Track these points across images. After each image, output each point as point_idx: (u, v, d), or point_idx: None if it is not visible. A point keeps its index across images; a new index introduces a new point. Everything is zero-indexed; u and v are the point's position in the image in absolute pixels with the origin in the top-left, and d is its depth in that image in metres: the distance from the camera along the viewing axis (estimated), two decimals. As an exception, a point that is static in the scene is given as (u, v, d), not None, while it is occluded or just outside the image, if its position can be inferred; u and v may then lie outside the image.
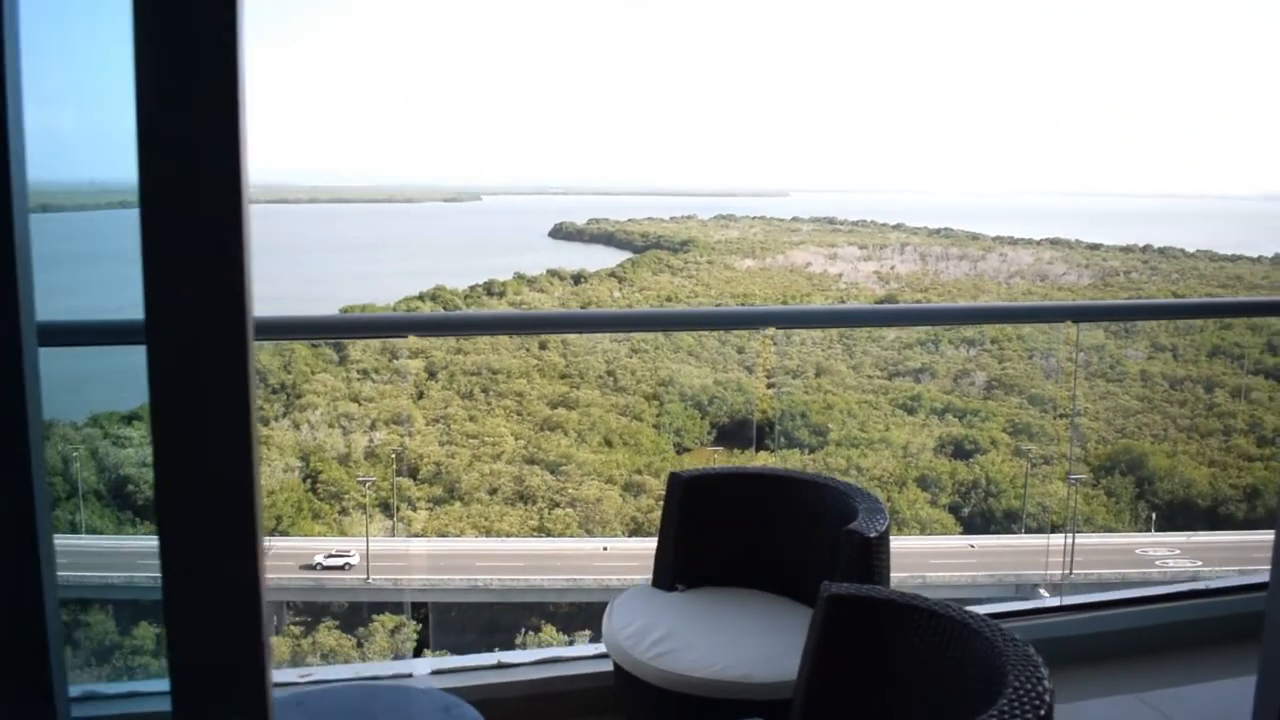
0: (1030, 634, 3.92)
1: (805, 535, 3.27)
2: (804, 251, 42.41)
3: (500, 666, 3.72)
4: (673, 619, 3.08)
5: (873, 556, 2.83)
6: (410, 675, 3.72)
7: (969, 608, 3.95)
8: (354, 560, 22.08)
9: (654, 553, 3.42)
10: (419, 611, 19.38)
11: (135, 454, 24.52)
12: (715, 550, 3.40)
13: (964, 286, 35.90)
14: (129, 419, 25.62)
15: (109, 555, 21.25)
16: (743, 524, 3.41)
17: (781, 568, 3.31)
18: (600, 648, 3.18)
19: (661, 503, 3.49)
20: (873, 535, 2.84)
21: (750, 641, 2.97)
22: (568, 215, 60.91)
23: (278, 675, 3.52)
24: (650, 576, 3.40)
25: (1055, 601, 4.35)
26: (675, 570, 3.34)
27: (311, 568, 20.44)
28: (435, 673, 3.73)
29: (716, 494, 3.44)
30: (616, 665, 2.98)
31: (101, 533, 22.17)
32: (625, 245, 49.97)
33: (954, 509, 18.62)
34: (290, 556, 20.64)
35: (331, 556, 21.86)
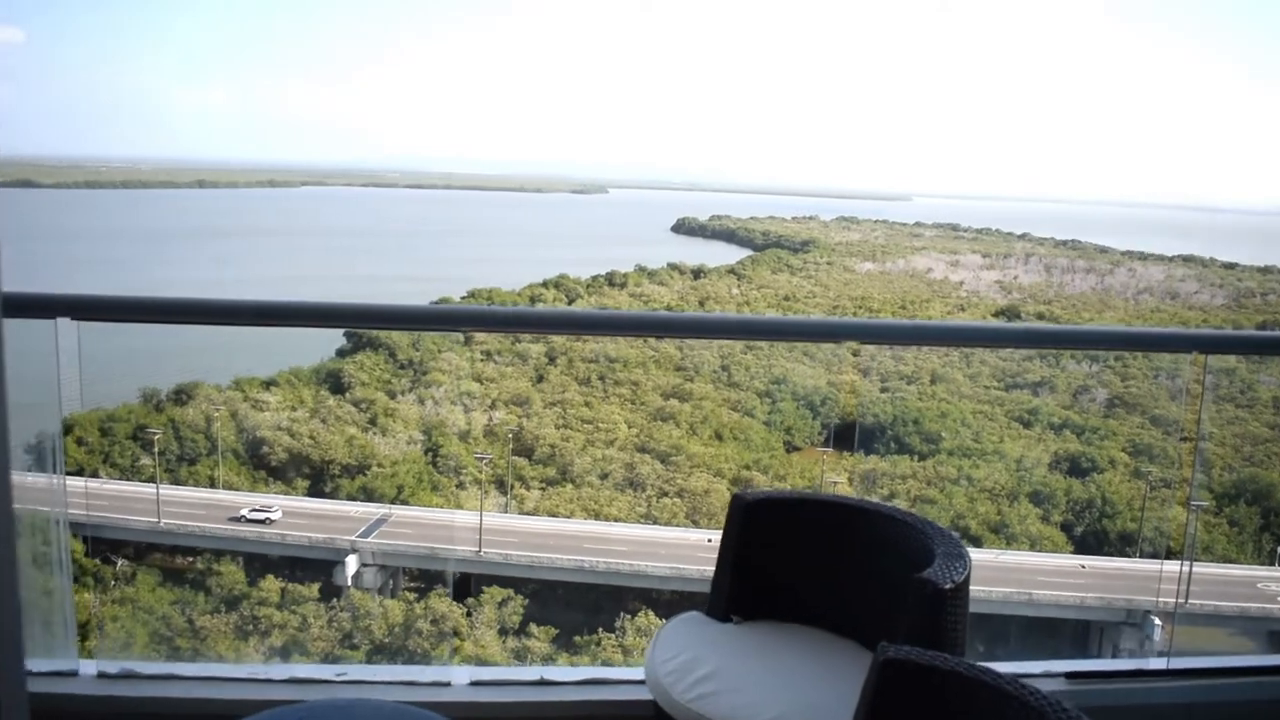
0: (1131, 699, 3.71)
1: (875, 574, 2.98)
2: (925, 257, 41.82)
3: (542, 683, 3.55)
4: (722, 654, 2.83)
5: (945, 611, 2.52)
6: (449, 684, 3.55)
7: (1059, 663, 3.83)
8: (275, 516, 23.02)
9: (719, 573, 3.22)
10: (526, 586, 19.98)
11: (271, 417, 25.75)
12: (777, 581, 3.12)
13: (1089, 301, 35.10)
14: (268, 384, 26.90)
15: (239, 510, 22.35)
16: (809, 555, 3.13)
17: (848, 607, 3.01)
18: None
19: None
20: (947, 586, 2.51)
21: (803, 688, 2.72)
22: (690, 210, 61.13)
23: (312, 671, 3.52)
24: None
25: (1162, 664, 3.86)
26: (731, 599, 3.08)
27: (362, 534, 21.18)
28: (474, 684, 3.57)
29: (782, 520, 3.17)
30: (654, 702, 2.76)
31: (237, 489, 23.37)
32: (746, 243, 50.01)
33: (1066, 527, 18.33)
34: (410, 525, 21.38)
35: (255, 511, 22.97)
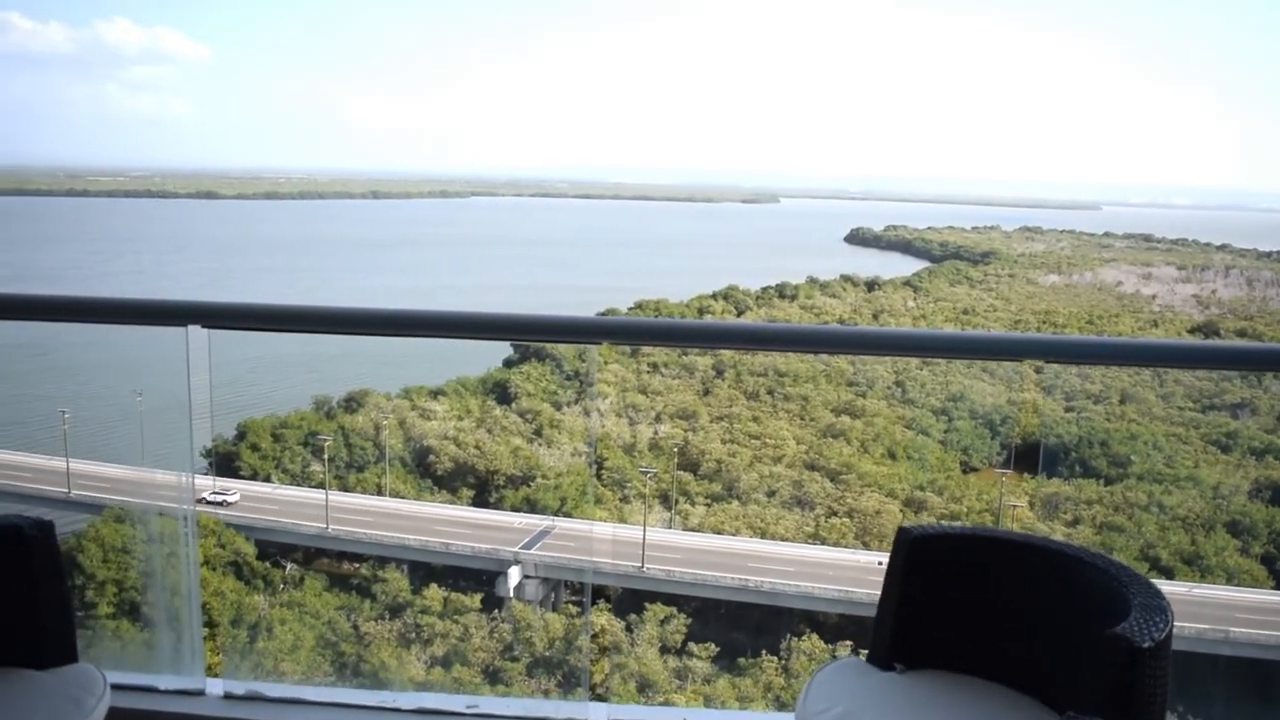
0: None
1: (1061, 624, 2.70)
2: (1115, 269, 40.29)
3: None
4: (883, 709, 2.63)
5: (1143, 673, 2.24)
6: None
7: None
8: (233, 499, 23.42)
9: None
10: (688, 604, 19.69)
11: (438, 426, 26.17)
12: (946, 626, 2.84)
13: (1295, 316, 33.25)
14: (436, 394, 27.40)
15: (408, 519, 22.78)
16: (984, 599, 2.84)
17: (1028, 660, 2.73)
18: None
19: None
20: (1146, 645, 2.22)
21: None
22: (865, 220, 60.15)
23: (442, 702, 3.35)
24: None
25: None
26: (895, 645, 2.82)
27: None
28: None
29: (954, 558, 2.89)
30: None
31: (403, 497, 23.82)
32: (923, 254, 48.85)
33: (1268, 560, 17.18)
34: (573, 538, 21.37)
35: (215, 493, 23.19)
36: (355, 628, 19.79)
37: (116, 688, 2.65)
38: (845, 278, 40.59)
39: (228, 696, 3.33)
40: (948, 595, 2.84)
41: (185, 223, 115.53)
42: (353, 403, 26.43)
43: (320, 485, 23.48)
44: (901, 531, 2.86)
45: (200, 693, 3.31)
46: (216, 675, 3.43)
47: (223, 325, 2.50)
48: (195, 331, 2.47)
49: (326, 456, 24.31)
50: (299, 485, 23.80)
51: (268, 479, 23.97)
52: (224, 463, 25.03)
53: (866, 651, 2.85)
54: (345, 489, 23.77)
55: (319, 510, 22.46)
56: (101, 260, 75.84)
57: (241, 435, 24.92)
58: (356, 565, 21.95)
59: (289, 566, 21.44)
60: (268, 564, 20.88)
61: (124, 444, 18.87)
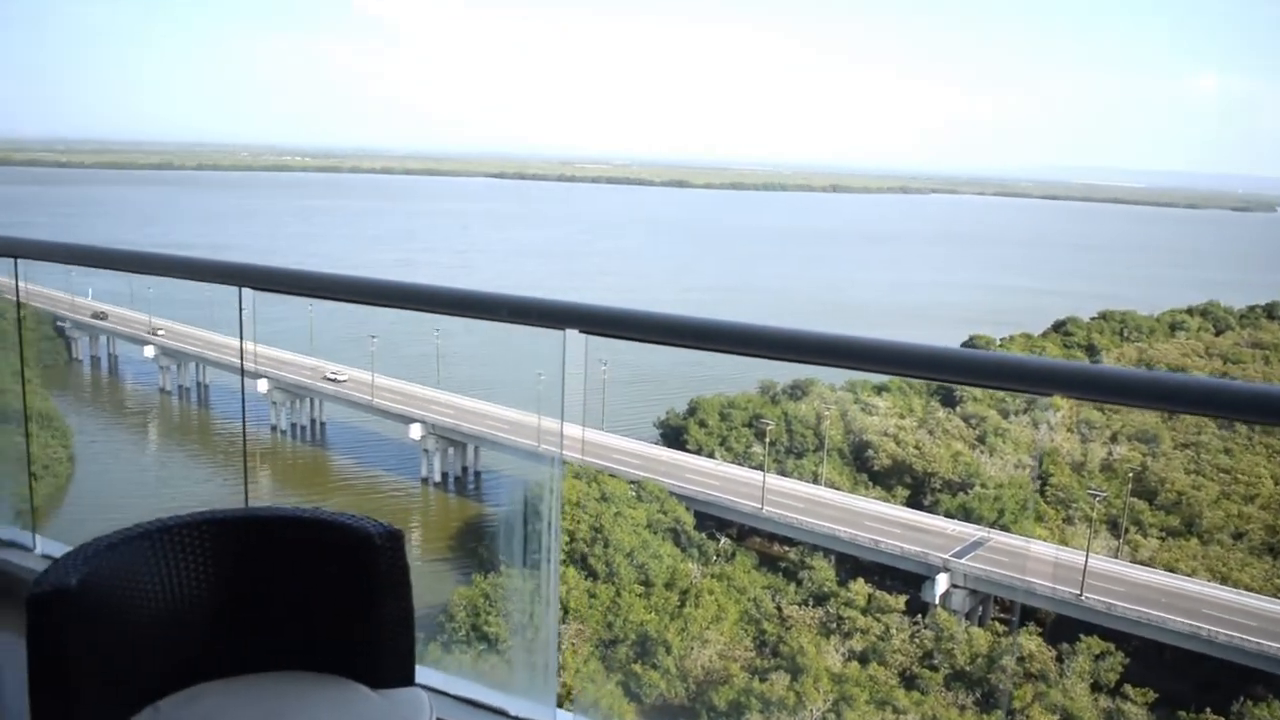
0: None
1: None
2: None
3: None
4: None
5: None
6: None
7: None
8: (343, 379, 27.98)
9: None
10: (1128, 642, 18.36)
11: (879, 422, 26.07)
12: None
13: None
14: (880, 389, 27.34)
15: (840, 510, 22.94)
16: None
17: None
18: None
19: None
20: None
21: None
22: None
23: None
24: None
25: None
26: None
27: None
28: None
29: None
30: None
31: (838, 488, 23.99)
32: None
33: None
34: (1008, 553, 20.63)
35: (332, 374, 28.10)
36: (779, 609, 20.27)
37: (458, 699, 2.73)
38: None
39: None
40: None
41: (658, 207, 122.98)
42: (797, 390, 26.95)
43: (759, 466, 24.22)
44: None
45: None
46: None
47: (595, 331, 2.46)
48: (573, 335, 2.46)
49: (767, 440, 24.99)
50: (739, 464, 24.67)
51: (711, 455, 25.06)
52: (673, 435, 26.48)
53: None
54: (782, 473, 24.36)
55: (755, 490, 23.18)
56: (585, 241, 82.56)
57: (692, 410, 26.22)
58: (786, 549, 22.42)
59: (722, 540, 22.31)
60: (703, 535, 21.86)
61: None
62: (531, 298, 2.58)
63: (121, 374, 33.75)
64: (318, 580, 2.11)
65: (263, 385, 27.20)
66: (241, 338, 3.46)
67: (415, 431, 24.90)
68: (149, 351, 30.76)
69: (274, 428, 27.98)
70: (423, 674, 2.54)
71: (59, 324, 32.56)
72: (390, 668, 2.06)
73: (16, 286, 3.46)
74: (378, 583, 2.04)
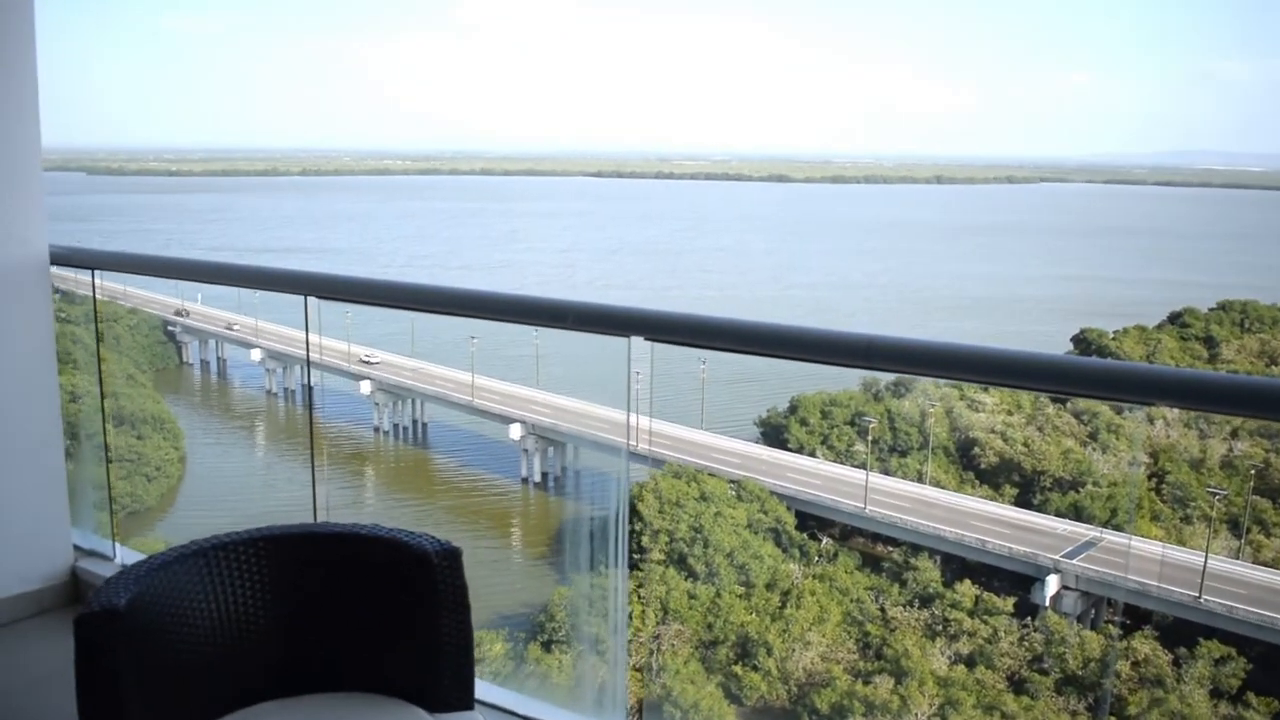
0: None
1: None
2: None
3: None
4: None
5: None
6: None
7: None
8: (375, 361, 28.94)
9: None
10: (1252, 648, 17.66)
11: (986, 419, 25.46)
12: None
13: None
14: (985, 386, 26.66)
15: (945, 509, 22.47)
16: None
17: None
18: None
19: None
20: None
21: None
22: None
23: None
24: None
25: None
26: None
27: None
28: None
29: None
30: None
31: (943, 487, 23.50)
32: None
33: None
34: (1122, 553, 20.03)
35: (367, 357, 28.97)
36: (882, 610, 19.93)
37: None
38: None
39: None
40: None
41: (754, 205, 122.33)
42: (901, 387, 26.46)
43: (861, 465, 23.86)
44: None
45: None
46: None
47: (659, 338, 2.41)
48: (637, 342, 2.42)
49: (870, 438, 24.59)
50: (841, 463, 24.33)
51: (813, 453, 24.77)
52: (774, 433, 26.23)
53: None
54: (886, 472, 23.94)
55: (858, 490, 22.84)
56: (686, 239, 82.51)
57: (793, 409, 25.94)
58: (890, 549, 22.04)
59: (824, 540, 22.02)
60: (805, 535, 21.62)
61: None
62: (596, 304, 2.54)
63: (229, 377, 34.74)
64: (375, 599, 2.07)
65: (365, 387, 27.75)
66: (308, 345, 3.48)
67: (515, 431, 25.13)
68: (255, 355, 31.59)
69: (376, 429, 28.50)
70: (489, 691, 2.49)
71: (169, 328, 33.65)
72: (448, 690, 2.01)
73: (94, 298, 3.53)
74: (436, 602, 2.00)
